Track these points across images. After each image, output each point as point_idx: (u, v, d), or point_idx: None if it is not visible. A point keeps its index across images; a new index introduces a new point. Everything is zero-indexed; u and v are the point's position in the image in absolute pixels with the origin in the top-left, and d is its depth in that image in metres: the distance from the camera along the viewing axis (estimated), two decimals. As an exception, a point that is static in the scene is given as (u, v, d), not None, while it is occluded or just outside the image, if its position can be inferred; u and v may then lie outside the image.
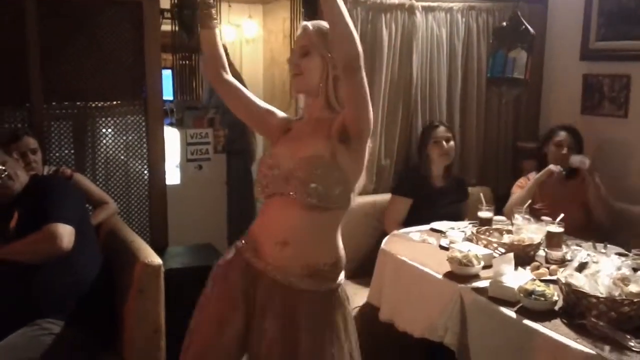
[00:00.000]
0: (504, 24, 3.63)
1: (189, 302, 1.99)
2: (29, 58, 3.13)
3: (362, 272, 3.16)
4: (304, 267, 1.82)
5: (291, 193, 1.78)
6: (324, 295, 1.86)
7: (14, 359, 2.27)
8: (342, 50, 1.69)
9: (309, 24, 1.87)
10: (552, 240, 2.62)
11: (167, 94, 5.09)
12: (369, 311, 2.88)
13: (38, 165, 2.93)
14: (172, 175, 4.21)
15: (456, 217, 3.22)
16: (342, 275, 1.93)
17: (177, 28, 4.71)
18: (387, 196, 3.41)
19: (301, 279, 1.82)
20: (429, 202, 3.25)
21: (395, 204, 3.29)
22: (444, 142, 3.34)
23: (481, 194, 3.19)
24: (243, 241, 1.92)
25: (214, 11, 1.94)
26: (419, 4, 3.56)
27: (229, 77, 1.97)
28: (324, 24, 1.82)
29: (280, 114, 2.02)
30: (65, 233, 2.39)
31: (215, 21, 1.95)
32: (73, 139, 3.33)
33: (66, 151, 3.32)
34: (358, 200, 3.40)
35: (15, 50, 3.13)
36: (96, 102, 3.34)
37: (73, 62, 3.23)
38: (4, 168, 2.47)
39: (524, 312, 2.11)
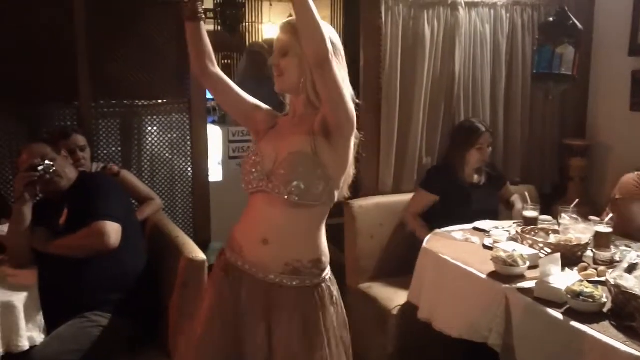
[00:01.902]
0: (551, 19, 3.55)
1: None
2: (77, 57, 3.21)
3: (402, 270, 3.14)
4: (285, 265, 1.81)
5: (276, 191, 1.77)
6: (302, 291, 1.83)
7: (63, 350, 2.34)
8: (310, 48, 1.65)
9: (286, 23, 1.83)
10: (601, 241, 2.56)
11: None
12: (410, 310, 2.87)
13: (87, 162, 3.00)
14: (215, 173, 4.27)
15: (491, 211, 3.18)
16: (326, 273, 1.89)
17: (219, 27, 4.77)
18: (427, 194, 3.38)
19: (280, 276, 1.81)
20: (461, 199, 3.21)
21: (420, 196, 3.29)
22: (487, 149, 3.31)
23: (526, 193, 3.14)
24: (225, 244, 1.93)
25: (200, 3, 1.87)
26: (462, 0, 3.52)
27: (216, 70, 1.91)
28: None
29: (266, 109, 1.98)
30: (113, 230, 2.44)
31: (201, 14, 1.86)
32: (120, 136, 3.41)
33: (113, 148, 3.39)
34: (399, 198, 3.45)
35: (65, 49, 3.22)
36: (142, 101, 3.42)
37: (120, 61, 3.30)
38: (52, 164, 2.54)
39: (571, 313, 2.07)
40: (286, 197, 1.76)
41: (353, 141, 1.84)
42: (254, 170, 1.83)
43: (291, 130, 1.84)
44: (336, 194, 1.84)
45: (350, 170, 1.88)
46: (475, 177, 3.33)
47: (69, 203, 2.58)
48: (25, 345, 2.26)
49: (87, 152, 3.03)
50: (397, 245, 3.38)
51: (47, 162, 2.52)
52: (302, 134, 1.80)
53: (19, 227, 2.51)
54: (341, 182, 1.85)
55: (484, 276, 2.43)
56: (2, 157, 3.36)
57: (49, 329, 2.39)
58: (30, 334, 2.30)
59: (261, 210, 1.83)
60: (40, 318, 2.37)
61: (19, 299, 2.28)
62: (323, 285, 1.87)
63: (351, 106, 1.76)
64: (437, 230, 3.03)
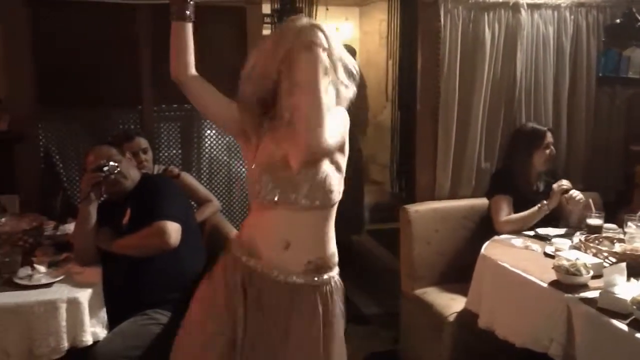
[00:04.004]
0: (618, 21, 3.46)
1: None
2: (141, 64, 3.31)
3: (459, 276, 3.11)
4: (307, 264, 1.83)
5: (301, 201, 1.76)
6: (321, 289, 1.85)
7: (124, 345, 2.41)
8: (305, 140, 1.66)
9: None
10: (669, 250, 2.47)
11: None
12: (467, 317, 2.83)
13: (149, 164, 3.08)
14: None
15: (553, 219, 3.09)
16: (336, 263, 1.92)
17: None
18: (485, 200, 3.32)
19: (302, 276, 1.82)
20: (524, 206, 3.13)
21: (497, 203, 3.17)
22: (552, 149, 3.24)
23: (590, 200, 3.04)
24: (234, 250, 1.89)
25: (190, 4, 1.83)
26: (524, 1, 3.45)
27: (196, 73, 1.85)
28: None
29: (250, 110, 1.87)
30: (173, 230, 2.50)
31: (190, 15, 1.83)
32: (180, 139, 3.50)
33: (174, 151, 3.48)
34: (456, 203, 3.40)
35: (129, 57, 3.32)
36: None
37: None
38: (117, 165, 2.62)
39: (636, 325, 1.99)
40: (310, 204, 1.77)
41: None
42: (268, 181, 1.78)
43: (290, 134, 1.76)
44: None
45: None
46: (538, 184, 3.25)
47: (131, 204, 2.65)
48: (89, 340, 2.33)
49: (149, 155, 3.12)
50: (454, 252, 3.33)
51: (112, 163, 2.60)
52: None
53: (84, 226, 2.60)
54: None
55: (545, 285, 2.37)
56: (69, 159, 3.50)
57: (111, 325, 2.46)
58: (94, 330, 2.37)
59: (282, 216, 1.81)
60: (103, 314, 2.45)
61: (84, 295, 2.35)
62: (336, 277, 1.91)
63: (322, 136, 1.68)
64: (496, 237, 2.98)
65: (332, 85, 1.75)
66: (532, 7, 3.49)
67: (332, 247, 1.90)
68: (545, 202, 3.00)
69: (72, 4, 3.40)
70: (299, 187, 1.76)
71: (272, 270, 1.82)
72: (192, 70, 1.84)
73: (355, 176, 5.44)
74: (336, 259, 1.91)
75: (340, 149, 1.83)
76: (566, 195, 3.03)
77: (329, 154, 1.77)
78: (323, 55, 1.67)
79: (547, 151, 3.21)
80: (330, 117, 1.69)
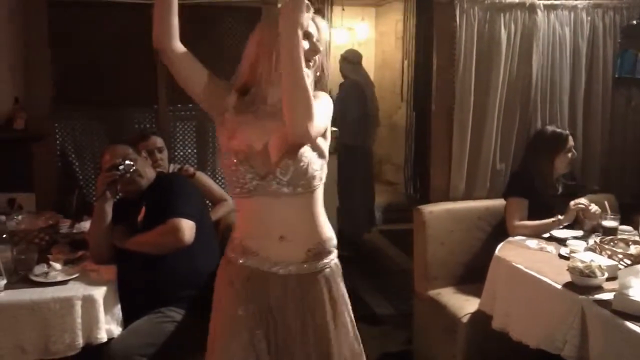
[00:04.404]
0: (634, 22, 3.43)
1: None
2: (157, 64, 3.33)
3: (473, 278, 3.11)
4: (307, 252, 1.81)
5: (284, 188, 1.74)
6: (325, 273, 1.85)
7: (139, 343, 2.43)
8: (295, 124, 1.66)
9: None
10: (685, 253, 2.44)
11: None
12: (481, 318, 2.82)
13: (164, 163, 3.10)
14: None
15: (569, 227, 3.06)
16: (335, 246, 1.90)
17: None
18: (500, 201, 3.31)
19: (303, 265, 1.81)
20: (540, 209, 3.10)
21: (512, 206, 3.16)
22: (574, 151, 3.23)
23: (605, 202, 3.02)
24: (230, 254, 1.86)
25: None
26: (541, 2, 3.44)
27: (179, 44, 1.76)
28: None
29: (233, 92, 1.83)
30: (187, 227, 2.51)
31: None
32: (195, 139, 3.52)
33: (189, 150, 3.51)
34: (470, 204, 3.39)
35: (145, 57, 3.34)
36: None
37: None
38: (132, 164, 2.64)
39: (652, 328, 1.98)
40: (294, 191, 1.75)
41: None
42: (250, 170, 1.75)
43: (276, 124, 1.74)
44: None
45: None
46: (557, 187, 3.23)
47: (146, 202, 2.67)
48: (103, 337, 2.35)
49: (165, 154, 3.14)
50: (468, 253, 3.32)
51: (128, 162, 2.62)
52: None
53: (100, 224, 2.62)
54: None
55: (559, 286, 2.36)
56: (85, 157, 3.54)
57: (126, 322, 2.49)
58: (109, 327, 2.39)
59: (268, 209, 1.78)
60: (118, 312, 2.47)
61: (99, 293, 2.37)
62: (336, 260, 1.90)
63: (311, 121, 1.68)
64: (511, 238, 2.97)
65: (316, 68, 1.79)
66: (549, 7, 3.47)
67: (328, 231, 1.87)
68: (560, 216, 2.97)
69: (89, 4, 3.44)
70: (280, 176, 1.74)
71: (273, 265, 1.80)
72: (176, 40, 1.75)
73: (365, 175, 5.46)
74: (334, 241, 1.90)
75: (323, 134, 1.81)
76: (583, 210, 2.99)
77: (312, 141, 1.75)
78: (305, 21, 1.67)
79: (569, 155, 3.19)
80: (316, 105, 1.69)
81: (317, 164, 1.79)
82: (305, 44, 1.73)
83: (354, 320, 1.94)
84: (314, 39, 1.78)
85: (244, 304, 1.80)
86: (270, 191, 1.75)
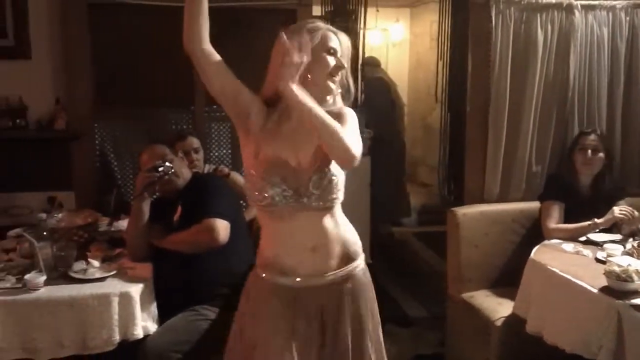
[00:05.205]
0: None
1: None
2: (194, 65, 3.39)
3: (507, 281, 3.08)
4: (339, 258, 1.83)
5: (317, 203, 1.75)
6: (354, 275, 1.87)
7: (174, 340, 2.47)
8: (337, 156, 1.70)
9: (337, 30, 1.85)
10: None
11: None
12: (515, 322, 2.79)
13: (200, 164, 3.15)
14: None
15: (607, 230, 3.00)
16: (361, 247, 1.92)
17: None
18: (535, 204, 3.27)
19: (336, 272, 1.82)
20: (576, 212, 3.04)
21: (548, 209, 3.11)
22: (590, 152, 3.12)
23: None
24: (262, 273, 1.85)
25: None
26: (578, 2, 3.38)
27: (210, 48, 1.74)
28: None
29: (260, 105, 1.81)
30: (222, 227, 2.55)
31: None
32: (230, 139, 3.56)
33: (224, 151, 3.55)
34: (505, 206, 3.36)
35: (182, 58, 3.40)
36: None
37: (232, 68, 3.44)
38: (171, 165, 2.68)
39: (691, 334, 1.94)
40: (326, 204, 1.77)
41: None
42: (281, 184, 1.73)
43: (300, 135, 1.76)
44: None
45: None
46: (591, 191, 3.17)
47: (182, 201, 2.72)
48: (139, 333, 2.40)
49: (201, 154, 3.19)
50: (502, 255, 3.29)
51: (167, 163, 2.66)
52: (316, 141, 1.75)
53: (137, 222, 2.67)
54: None
55: (595, 290, 2.32)
56: (123, 157, 3.61)
57: (161, 320, 2.53)
58: (145, 324, 2.44)
59: (297, 225, 1.78)
60: (154, 309, 2.51)
61: (136, 290, 2.41)
62: (363, 264, 1.91)
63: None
64: (546, 242, 2.93)
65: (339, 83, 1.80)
66: (586, 8, 3.42)
67: (354, 234, 1.90)
68: (597, 220, 2.92)
69: (128, 6, 3.51)
70: (313, 190, 1.75)
71: (308, 278, 1.81)
72: (205, 42, 1.73)
73: (397, 167, 5.60)
74: (360, 244, 1.92)
75: None
76: (624, 220, 2.93)
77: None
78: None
79: (587, 153, 3.11)
80: (348, 131, 1.71)
81: (342, 177, 1.81)
82: (330, 60, 1.76)
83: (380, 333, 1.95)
84: (338, 55, 1.79)
85: (291, 321, 1.80)
86: (299, 205, 1.75)
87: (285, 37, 1.70)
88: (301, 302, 1.82)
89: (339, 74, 1.80)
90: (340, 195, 1.82)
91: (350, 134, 1.72)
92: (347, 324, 1.84)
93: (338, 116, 1.75)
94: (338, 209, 1.85)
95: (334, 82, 1.79)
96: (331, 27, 1.83)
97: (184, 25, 1.72)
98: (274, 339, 1.80)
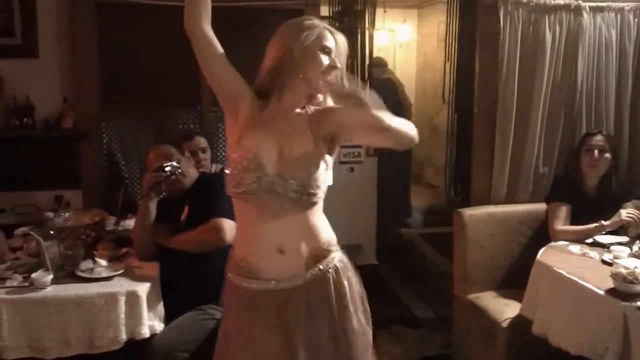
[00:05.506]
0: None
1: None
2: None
3: (513, 282, 3.07)
4: (306, 261, 1.75)
5: (291, 195, 1.69)
6: (323, 276, 1.77)
7: (180, 339, 2.47)
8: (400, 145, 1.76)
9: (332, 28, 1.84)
10: None
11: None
12: (521, 324, 2.78)
13: (207, 163, 3.16)
14: (327, 176, 4.34)
15: (613, 233, 2.99)
16: (337, 248, 1.83)
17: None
18: (542, 205, 3.26)
19: (304, 273, 1.75)
20: (583, 214, 3.03)
21: (555, 211, 3.10)
22: (596, 152, 3.11)
23: (652, 208, 2.96)
24: (230, 273, 1.82)
25: None
26: (587, 4, 3.38)
27: (210, 31, 1.74)
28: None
29: (252, 95, 1.79)
30: (229, 227, 2.54)
31: None
32: (237, 139, 3.56)
33: (231, 151, 3.55)
34: (512, 208, 3.35)
35: (190, 58, 3.41)
36: (258, 105, 3.55)
37: (238, 68, 3.45)
38: (178, 165, 2.69)
39: (698, 337, 1.93)
40: (302, 197, 1.71)
41: None
42: (257, 171, 1.70)
43: (289, 129, 1.75)
44: None
45: None
46: (598, 193, 3.16)
47: (189, 201, 2.72)
48: (146, 332, 2.40)
49: (208, 154, 3.19)
50: (508, 257, 3.28)
51: (174, 163, 2.67)
52: (304, 134, 1.75)
53: (144, 222, 2.68)
54: None
55: (601, 292, 2.32)
56: (130, 157, 3.62)
57: (168, 319, 2.54)
58: (151, 323, 2.44)
59: (270, 218, 1.72)
60: (160, 308, 2.52)
61: (143, 289, 2.42)
62: (337, 258, 1.82)
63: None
64: (553, 243, 2.93)
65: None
66: (595, 9, 3.41)
67: (325, 234, 1.81)
68: (603, 222, 2.91)
69: (136, 5, 3.52)
70: (292, 180, 1.70)
71: (273, 281, 1.74)
72: (207, 25, 1.73)
73: (403, 169, 5.64)
74: (334, 241, 1.83)
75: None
76: (630, 222, 2.92)
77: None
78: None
79: (590, 153, 3.11)
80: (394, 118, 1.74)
81: (324, 177, 1.76)
82: (324, 59, 1.74)
83: (368, 322, 1.87)
84: (333, 55, 1.76)
85: (262, 328, 1.75)
86: (275, 196, 1.70)
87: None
88: (264, 306, 1.75)
89: (332, 74, 1.76)
90: (320, 194, 1.75)
91: (397, 119, 1.75)
92: (320, 326, 1.77)
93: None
94: (317, 212, 1.79)
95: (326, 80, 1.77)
96: (328, 26, 1.81)
97: (185, 4, 1.72)
98: (236, 339, 1.79)
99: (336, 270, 1.80)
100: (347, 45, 1.82)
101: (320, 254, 1.78)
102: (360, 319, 1.83)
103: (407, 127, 1.76)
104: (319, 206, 1.80)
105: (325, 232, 1.82)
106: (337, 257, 1.82)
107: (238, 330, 1.80)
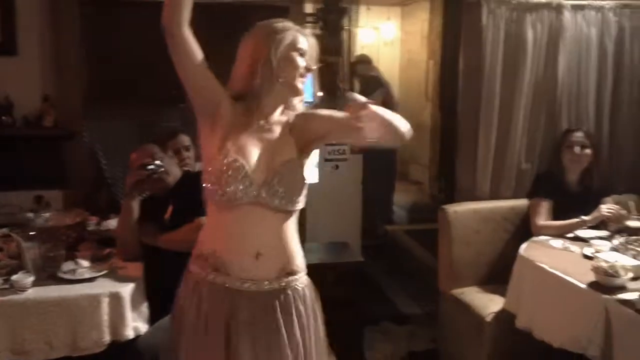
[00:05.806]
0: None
1: (324, 296, 2.03)
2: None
3: (497, 277, 3.10)
4: (280, 270, 1.77)
5: (274, 203, 1.71)
6: (290, 289, 1.79)
7: (165, 340, 2.44)
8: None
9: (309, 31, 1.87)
10: None
11: (308, 96, 5.38)
12: (505, 318, 2.81)
13: (191, 162, 3.13)
14: (311, 174, 4.34)
15: (594, 227, 3.03)
16: (304, 266, 1.85)
17: (320, 31, 4.86)
18: (526, 201, 3.30)
19: (274, 281, 1.76)
20: (564, 208, 3.08)
21: (536, 207, 3.15)
22: (577, 148, 3.16)
23: (631, 202, 3.00)
24: (192, 266, 1.84)
25: None
26: (568, 2, 3.41)
27: (188, 31, 1.70)
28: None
29: (230, 100, 1.78)
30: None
31: None
32: (222, 137, 3.54)
33: (215, 149, 3.53)
34: (496, 204, 3.37)
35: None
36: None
37: (224, 65, 3.43)
38: (161, 164, 2.67)
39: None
40: (286, 205, 1.73)
41: None
42: (244, 181, 1.69)
43: (270, 135, 1.77)
44: None
45: None
46: (579, 188, 3.20)
47: (173, 200, 2.70)
48: (130, 334, 2.38)
49: (192, 152, 3.17)
50: (493, 253, 3.31)
51: (157, 162, 2.65)
52: (286, 141, 1.77)
53: (127, 221, 2.66)
54: None
55: (583, 286, 2.35)
56: (113, 155, 3.59)
57: (152, 320, 2.51)
58: (135, 324, 2.42)
59: (250, 224, 1.73)
60: (145, 309, 2.50)
61: (126, 290, 2.40)
62: (305, 279, 1.85)
63: None
64: (535, 238, 2.95)
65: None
66: (576, 8, 3.44)
67: (300, 252, 1.84)
68: (584, 217, 2.95)
69: (120, 3, 3.49)
70: (277, 186, 1.71)
71: (245, 282, 1.74)
72: (186, 25, 1.68)
73: (388, 167, 5.64)
74: (304, 262, 1.85)
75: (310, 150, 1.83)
76: (610, 218, 2.95)
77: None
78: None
79: (574, 150, 3.16)
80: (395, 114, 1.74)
81: (302, 182, 1.77)
82: (301, 62, 1.75)
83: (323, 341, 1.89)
84: (306, 57, 1.78)
85: (212, 322, 1.76)
86: (260, 202, 1.71)
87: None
88: (230, 303, 1.74)
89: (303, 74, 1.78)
90: (302, 200, 1.77)
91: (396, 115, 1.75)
92: (279, 336, 1.76)
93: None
94: (293, 222, 1.80)
95: (303, 83, 1.78)
96: (301, 29, 1.82)
97: (165, 3, 1.68)
98: (200, 338, 1.78)
99: (305, 286, 1.83)
100: (317, 48, 1.83)
101: (293, 269, 1.80)
102: (319, 338, 1.86)
103: (403, 122, 1.76)
104: (295, 219, 1.82)
105: (299, 248, 1.83)
106: (305, 277, 1.85)
107: (193, 323, 1.79)
